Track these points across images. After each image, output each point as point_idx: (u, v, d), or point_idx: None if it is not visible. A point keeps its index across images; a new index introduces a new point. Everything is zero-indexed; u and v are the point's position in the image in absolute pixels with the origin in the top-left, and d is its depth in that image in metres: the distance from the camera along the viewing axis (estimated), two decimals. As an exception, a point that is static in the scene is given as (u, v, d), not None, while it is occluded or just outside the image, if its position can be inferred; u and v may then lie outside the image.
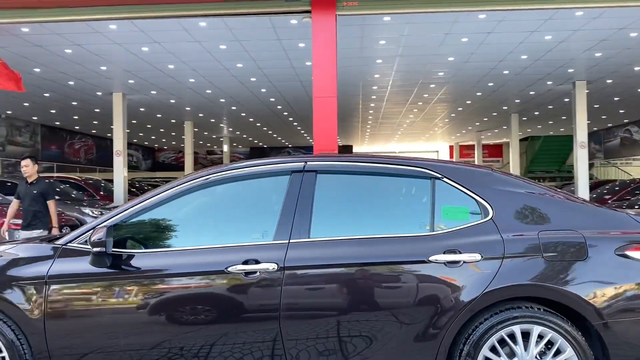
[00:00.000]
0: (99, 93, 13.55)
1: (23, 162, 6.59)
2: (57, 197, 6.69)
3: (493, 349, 2.74)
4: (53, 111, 16.75)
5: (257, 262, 2.82)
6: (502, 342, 2.75)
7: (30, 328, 2.88)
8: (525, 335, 2.75)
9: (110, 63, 10.45)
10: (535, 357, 2.73)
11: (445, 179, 3.04)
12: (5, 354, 2.92)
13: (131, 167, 26.83)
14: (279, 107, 16.00)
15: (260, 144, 29.92)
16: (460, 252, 2.80)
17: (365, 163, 3.15)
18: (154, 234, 3.07)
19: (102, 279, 2.89)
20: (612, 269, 2.77)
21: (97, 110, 16.27)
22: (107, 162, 22.95)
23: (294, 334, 2.78)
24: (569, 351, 2.70)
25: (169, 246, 3.03)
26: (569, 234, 2.84)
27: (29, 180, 6.55)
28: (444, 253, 2.80)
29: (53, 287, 2.90)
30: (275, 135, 25.30)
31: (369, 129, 23.05)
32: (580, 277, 2.76)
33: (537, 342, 2.73)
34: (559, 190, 3.24)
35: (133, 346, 2.84)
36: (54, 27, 8.15)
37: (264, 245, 2.90)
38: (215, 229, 3.11)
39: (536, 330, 2.73)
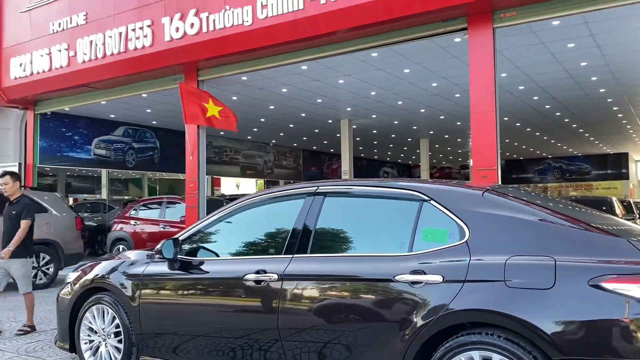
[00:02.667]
0: (330, 121, 15.34)
1: (1, 180, 5.92)
2: (30, 219, 5.85)
3: (454, 373, 2.75)
4: (305, 138, 19.42)
5: (265, 272, 3.40)
6: (465, 367, 2.74)
7: (133, 312, 4.00)
8: (490, 363, 2.69)
9: (323, 96, 11.92)
10: (498, 386, 2.64)
11: (432, 202, 3.12)
12: (121, 329, 4.10)
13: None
14: (505, 118, 15.44)
15: (515, 156, 28.65)
16: (424, 273, 2.89)
17: (364, 187, 3.44)
18: (205, 246, 3.91)
19: (173, 279, 3.85)
20: (580, 301, 2.51)
21: (338, 135, 18.24)
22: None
23: (288, 334, 3.26)
24: (529, 385, 2.55)
25: (212, 256, 3.84)
26: (540, 260, 2.66)
27: (11, 199, 6.00)
28: (411, 273, 2.93)
29: (145, 283, 3.97)
30: (526, 147, 24.07)
31: (632, 133, 20.11)
32: (541, 306, 2.57)
33: (500, 371, 2.64)
34: (569, 215, 2.96)
35: (190, 330, 3.70)
36: (264, 73, 9.88)
37: (275, 258, 3.46)
38: (246, 243, 3.80)
39: (495, 358, 2.65)
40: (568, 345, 2.47)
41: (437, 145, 22.50)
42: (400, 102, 12.83)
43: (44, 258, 9.21)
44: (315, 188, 3.56)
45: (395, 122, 15.88)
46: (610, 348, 2.41)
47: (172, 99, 12.07)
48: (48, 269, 9.25)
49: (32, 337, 5.64)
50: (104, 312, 4.21)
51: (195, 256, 3.88)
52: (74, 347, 4.40)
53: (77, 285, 4.44)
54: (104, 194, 21.34)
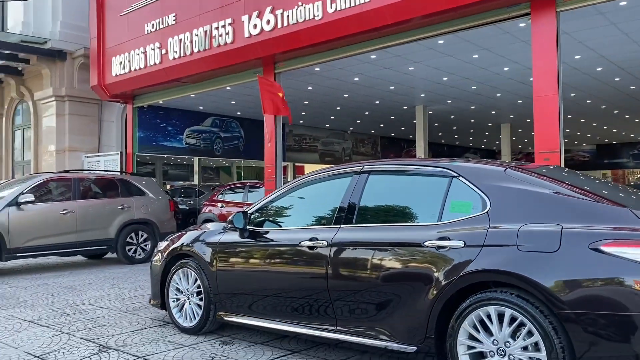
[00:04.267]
0: (405, 107, 15.61)
1: None
2: None
3: (475, 327, 3.17)
4: (382, 125, 19.77)
5: (316, 239, 3.96)
6: (483, 321, 3.15)
7: (211, 274, 4.70)
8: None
9: (395, 83, 12.26)
10: (511, 336, 3.04)
11: (460, 178, 3.53)
12: (202, 289, 4.82)
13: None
14: (588, 101, 14.95)
15: (606, 140, 27.31)
16: (449, 239, 3.32)
17: (402, 165, 3.90)
18: (270, 218, 4.53)
19: (243, 245, 4.51)
20: (580, 262, 2.85)
21: (414, 121, 18.44)
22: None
23: (335, 291, 3.80)
24: (535, 336, 2.93)
25: (275, 226, 4.45)
26: (548, 227, 3.01)
27: None
28: (437, 239, 3.36)
29: (220, 249, 4.66)
30: (617, 130, 22.92)
31: None
32: (547, 267, 2.93)
33: (512, 324, 3.03)
34: (584, 188, 3.27)
35: (257, 290, 4.35)
36: (335, 64, 10.41)
37: (326, 228, 4.01)
38: (304, 215, 4.38)
39: (508, 313, 3.04)
40: (568, 301, 2.82)
41: (519, 130, 21.97)
42: (474, 87, 12.89)
43: (142, 235, 10.35)
44: (361, 167, 4.06)
45: (473, 107, 15.86)
46: (605, 302, 2.74)
47: (253, 90, 12.91)
48: (146, 245, 10.39)
49: (131, 299, 6.58)
50: (188, 274, 4.96)
51: (262, 227, 4.51)
52: (164, 305, 5.20)
53: (166, 253, 5.22)
54: (195, 181, 22.94)
